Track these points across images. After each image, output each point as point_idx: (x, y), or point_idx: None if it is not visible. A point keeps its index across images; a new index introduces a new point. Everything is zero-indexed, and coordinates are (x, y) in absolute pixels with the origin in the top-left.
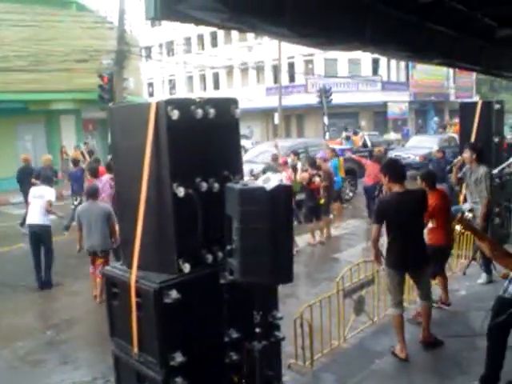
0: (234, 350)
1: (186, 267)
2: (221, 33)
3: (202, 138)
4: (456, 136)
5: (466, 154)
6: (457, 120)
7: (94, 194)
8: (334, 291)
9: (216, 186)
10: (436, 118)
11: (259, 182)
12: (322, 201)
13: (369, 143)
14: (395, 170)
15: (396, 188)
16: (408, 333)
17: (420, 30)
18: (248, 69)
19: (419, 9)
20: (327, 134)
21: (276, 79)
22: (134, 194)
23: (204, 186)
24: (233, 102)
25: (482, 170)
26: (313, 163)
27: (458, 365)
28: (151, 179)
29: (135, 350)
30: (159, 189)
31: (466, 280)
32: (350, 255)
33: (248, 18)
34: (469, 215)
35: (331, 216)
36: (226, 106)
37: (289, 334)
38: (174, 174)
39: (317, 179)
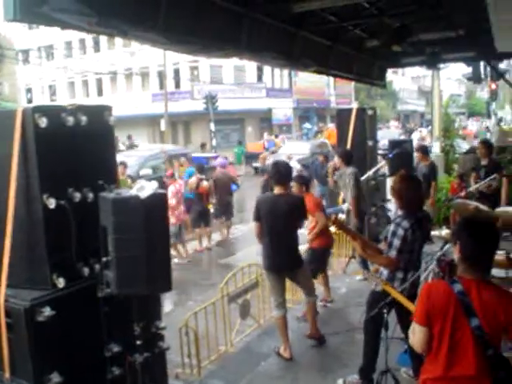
0: (116, 364)
1: (61, 282)
2: (103, 37)
3: (74, 147)
4: (328, 141)
5: (336, 159)
6: (329, 126)
7: None
8: (219, 297)
9: (90, 195)
10: (307, 125)
11: (133, 191)
12: (210, 205)
13: None
14: (277, 171)
15: (276, 189)
16: (293, 332)
17: (294, 38)
18: (132, 75)
19: (293, 18)
20: (214, 140)
21: (162, 85)
22: (0, 207)
23: (77, 196)
24: (106, 108)
25: (349, 171)
26: (200, 169)
27: (340, 359)
28: (19, 191)
29: (7, 374)
30: (28, 201)
31: (346, 277)
32: (237, 260)
33: (118, 23)
34: (342, 216)
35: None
36: (99, 113)
37: (175, 343)
38: (43, 184)
39: (204, 183)
